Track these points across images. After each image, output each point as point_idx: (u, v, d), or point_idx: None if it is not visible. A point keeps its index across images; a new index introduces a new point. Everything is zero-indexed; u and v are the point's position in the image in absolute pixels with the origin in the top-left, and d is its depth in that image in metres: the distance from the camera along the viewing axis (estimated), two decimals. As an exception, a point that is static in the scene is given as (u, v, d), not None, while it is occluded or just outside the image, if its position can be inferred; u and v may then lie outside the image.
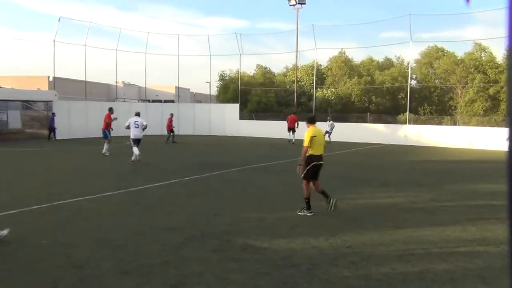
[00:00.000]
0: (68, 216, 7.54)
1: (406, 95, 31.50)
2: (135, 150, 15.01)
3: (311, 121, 8.13)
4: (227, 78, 45.08)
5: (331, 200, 7.98)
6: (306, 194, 7.86)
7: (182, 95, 46.68)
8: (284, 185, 11.11)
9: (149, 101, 41.34)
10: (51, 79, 33.97)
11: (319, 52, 38.36)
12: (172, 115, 25.40)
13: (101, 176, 12.39)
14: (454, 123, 32.78)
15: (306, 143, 7.80)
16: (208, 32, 73.08)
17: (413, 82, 41.91)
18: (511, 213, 1.04)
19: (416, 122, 33.66)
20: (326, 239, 6.28)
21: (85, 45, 31.05)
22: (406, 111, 30.43)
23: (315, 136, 7.83)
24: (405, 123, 29.51)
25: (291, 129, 25.80)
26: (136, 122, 15.20)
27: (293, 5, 32.60)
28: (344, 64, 43.33)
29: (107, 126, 17.62)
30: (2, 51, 64.60)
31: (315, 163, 7.83)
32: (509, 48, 1.02)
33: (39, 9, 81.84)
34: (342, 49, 43.59)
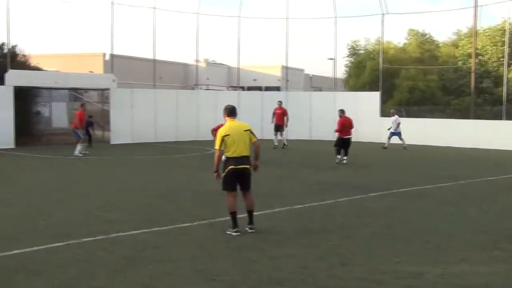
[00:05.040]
0: (128, 254, 7.99)
1: None
2: None
3: (230, 113, 9.33)
4: (361, 52, 44.79)
5: (246, 228, 9.11)
6: (230, 208, 9.03)
7: (293, 79, 47.18)
8: (450, 222, 10.84)
9: (242, 88, 42.19)
10: (107, 57, 36.06)
11: (514, 7, 36.32)
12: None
13: (171, 198, 13.07)
14: None
15: (217, 146, 9.12)
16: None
17: None
18: None
19: None
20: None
21: (154, 7, 32.59)
22: None
23: (228, 135, 8.99)
24: None
25: (279, 127, 26.56)
26: None
27: None
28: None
29: (79, 125, 21.72)
30: (46, 23, 71.14)
31: (232, 167, 8.95)
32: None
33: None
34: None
